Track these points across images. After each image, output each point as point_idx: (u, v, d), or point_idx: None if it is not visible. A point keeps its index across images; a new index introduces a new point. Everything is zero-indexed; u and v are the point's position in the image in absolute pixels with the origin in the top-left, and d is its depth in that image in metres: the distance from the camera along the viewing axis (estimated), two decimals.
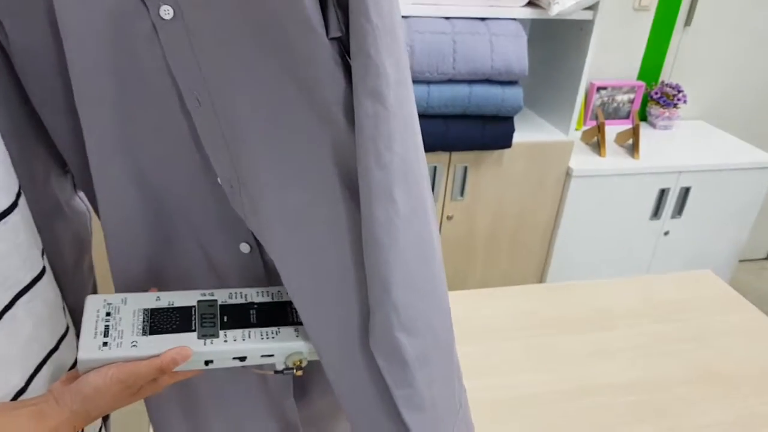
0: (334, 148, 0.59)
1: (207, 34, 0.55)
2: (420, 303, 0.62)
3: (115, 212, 0.66)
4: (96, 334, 0.61)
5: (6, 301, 0.59)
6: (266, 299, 0.68)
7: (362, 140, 0.56)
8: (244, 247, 0.70)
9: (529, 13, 1.97)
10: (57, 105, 0.62)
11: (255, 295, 0.68)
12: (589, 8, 2.00)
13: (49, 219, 0.70)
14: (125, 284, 0.70)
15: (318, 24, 0.54)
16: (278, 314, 0.67)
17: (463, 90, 1.92)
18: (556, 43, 2.24)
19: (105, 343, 0.60)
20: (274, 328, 0.66)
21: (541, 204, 2.27)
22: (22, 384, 0.62)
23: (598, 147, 2.35)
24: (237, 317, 0.65)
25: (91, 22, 0.55)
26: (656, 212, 2.40)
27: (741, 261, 2.85)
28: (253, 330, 0.65)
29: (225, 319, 0.65)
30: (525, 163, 2.17)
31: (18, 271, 0.60)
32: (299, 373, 0.67)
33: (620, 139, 2.44)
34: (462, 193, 2.15)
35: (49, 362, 0.65)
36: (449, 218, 2.18)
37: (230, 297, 0.67)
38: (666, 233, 2.47)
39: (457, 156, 2.08)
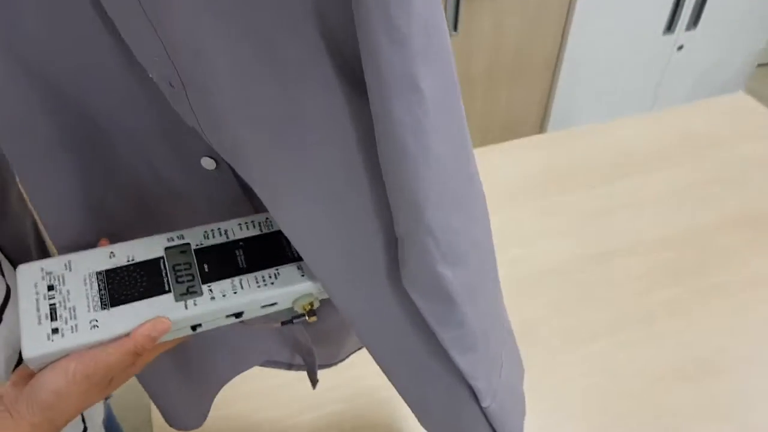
0: (320, 16, 0.38)
1: None
2: (461, 222, 0.46)
3: (24, 138, 0.49)
4: (40, 318, 0.46)
5: None
6: (253, 232, 0.53)
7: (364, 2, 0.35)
8: (207, 162, 0.52)
9: None
10: None
11: (237, 229, 0.53)
12: None
13: None
14: (65, 240, 0.54)
15: None
16: (272, 250, 0.52)
17: None
18: None
19: (55, 330, 0.45)
20: (272, 270, 0.51)
21: (544, 30, 2.03)
22: None
23: None
24: (220, 263, 0.51)
25: None
26: (670, 25, 2.18)
27: (759, 65, 2.65)
28: (244, 277, 0.50)
29: (205, 267, 0.50)
30: None
31: None
32: (313, 318, 0.53)
33: None
34: (456, 28, 1.90)
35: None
36: None
37: (206, 237, 0.52)
38: (680, 48, 2.27)
39: None
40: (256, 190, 0.45)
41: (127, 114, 0.49)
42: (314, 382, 0.80)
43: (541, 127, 2.36)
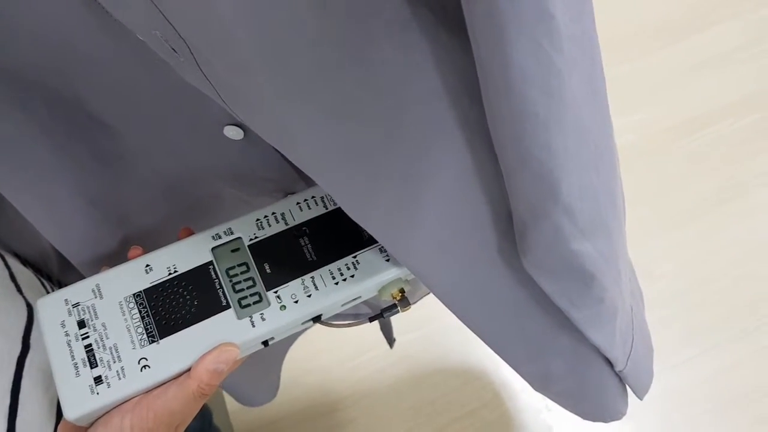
0: None
1: None
2: (594, 183, 0.35)
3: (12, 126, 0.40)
4: (77, 367, 0.38)
5: None
6: (317, 212, 0.43)
7: None
8: (232, 132, 0.41)
9: None
10: None
11: (296, 210, 0.43)
12: None
13: None
14: (82, 254, 0.46)
15: None
16: (344, 232, 0.42)
17: None
18: None
19: (98, 379, 0.37)
20: (349, 259, 0.41)
21: None
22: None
23: None
24: (284, 260, 0.41)
25: None
26: None
27: None
28: (317, 273, 0.41)
29: (266, 268, 0.41)
30: None
31: None
32: (406, 308, 0.43)
33: None
34: None
35: (25, 376, 0.42)
36: None
37: (259, 226, 0.42)
38: None
39: None
40: (307, 169, 0.34)
41: (123, 95, 0.40)
42: (392, 341, 0.72)
43: None
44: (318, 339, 0.89)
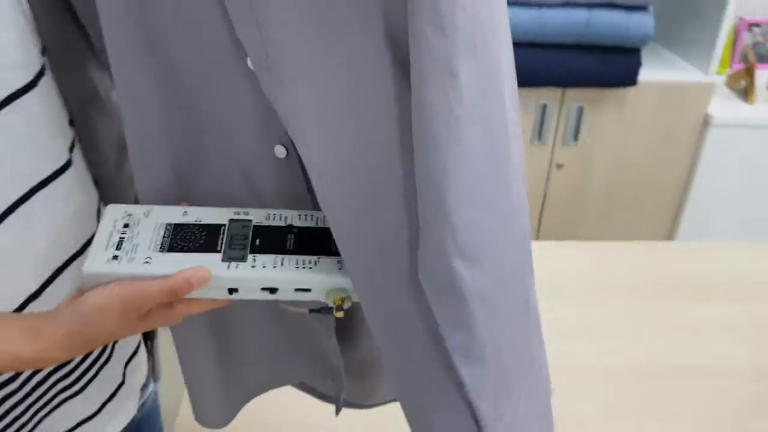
0: (382, 8, 0.43)
1: None
2: (486, 223, 0.46)
3: (140, 114, 0.57)
4: (108, 246, 0.53)
5: (21, 192, 0.52)
6: (308, 224, 0.58)
7: None
8: (279, 151, 0.57)
9: None
10: None
11: (296, 218, 0.58)
12: None
13: (85, 109, 0.62)
14: (151, 198, 0.61)
15: None
16: (320, 242, 0.56)
17: (580, 15, 1.68)
18: None
19: (115, 257, 0.52)
20: (313, 257, 0.55)
21: (671, 156, 1.98)
22: (35, 288, 0.55)
23: (745, 93, 2.01)
24: (271, 241, 0.56)
25: None
26: None
27: None
28: (287, 257, 0.55)
29: (257, 242, 0.55)
30: (653, 106, 1.89)
31: (35, 160, 0.53)
32: (340, 314, 0.55)
33: None
34: (576, 138, 1.91)
35: (71, 267, 0.57)
36: (559, 167, 1.95)
37: (267, 218, 0.58)
38: None
39: (571, 93, 1.84)
40: (308, 165, 0.50)
41: (225, 101, 0.56)
42: (339, 408, 0.78)
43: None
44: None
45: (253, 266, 0.53)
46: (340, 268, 0.54)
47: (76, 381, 0.62)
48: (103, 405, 0.66)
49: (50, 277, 0.56)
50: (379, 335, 0.53)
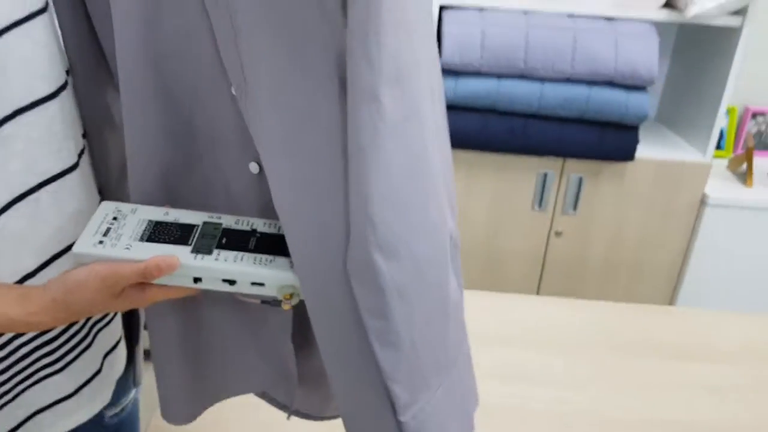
0: (335, 45, 0.54)
1: None
2: (402, 224, 0.56)
3: (139, 124, 0.67)
4: (97, 232, 0.63)
5: (30, 185, 0.63)
6: (271, 230, 0.67)
7: (353, 27, 0.50)
8: (253, 167, 0.67)
9: (662, 16, 1.79)
10: (104, 12, 0.65)
11: (261, 225, 0.68)
12: (736, 13, 1.78)
13: (99, 127, 0.73)
14: (140, 199, 0.71)
15: None
16: (278, 246, 0.65)
17: (581, 91, 1.79)
18: (700, 52, 2.03)
19: (101, 242, 0.62)
20: (270, 256, 0.64)
21: (668, 231, 2.04)
22: (33, 268, 0.65)
23: (745, 177, 2.08)
24: (236, 241, 0.65)
25: None
26: None
27: None
28: (247, 254, 0.64)
29: (224, 240, 0.65)
30: (651, 182, 1.97)
31: (47, 159, 0.64)
32: (287, 306, 0.64)
33: None
34: (575, 207, 1.99)
35: (67, 255, 0.68)
36: (558, 234, 2.02)
37: (236, 223, 0.67)
38: None
39: (571, 164, 1.93)
40: (267, 171, 0.59)
41: (212, 121, 0.66)
42: (290, 411, 0.84)
43: None
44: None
45: (216, 259, 0.63)
46: (291, 267, 0.63)
47: (59, 359, 0.71)
48: (80, 387, 0.74)
49: (48, 260, 0.65)
50: (315, 323, 0.61)
